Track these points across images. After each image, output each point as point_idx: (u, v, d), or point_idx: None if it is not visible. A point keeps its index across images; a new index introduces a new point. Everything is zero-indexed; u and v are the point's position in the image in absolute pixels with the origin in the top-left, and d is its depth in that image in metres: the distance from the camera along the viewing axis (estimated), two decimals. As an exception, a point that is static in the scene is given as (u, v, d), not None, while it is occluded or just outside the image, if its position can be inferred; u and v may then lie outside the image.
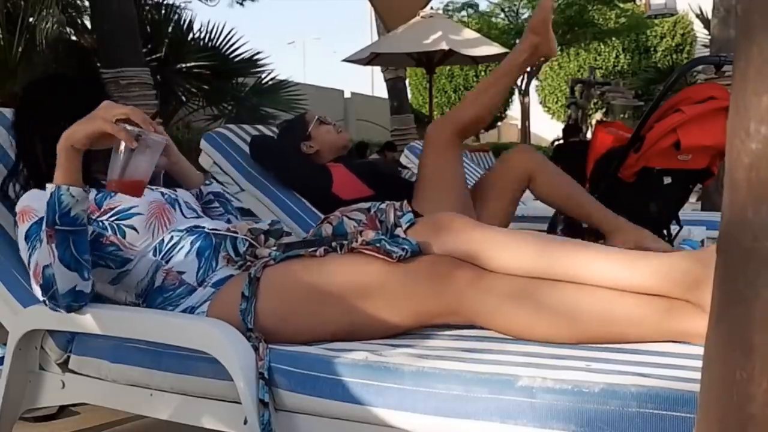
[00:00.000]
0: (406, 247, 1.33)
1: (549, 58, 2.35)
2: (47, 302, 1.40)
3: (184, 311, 1.47)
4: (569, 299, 1.22)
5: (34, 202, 1.47)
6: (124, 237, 1.53)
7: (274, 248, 1.50)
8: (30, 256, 1.43)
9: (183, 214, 1.64)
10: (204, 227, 1.59)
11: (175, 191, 1.70)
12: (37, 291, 1.40)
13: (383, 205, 1.52)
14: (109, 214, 1.55)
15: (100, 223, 1.53)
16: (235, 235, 1.55)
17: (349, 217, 1.51)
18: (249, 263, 1.49)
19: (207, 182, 1.85)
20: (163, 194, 1.64)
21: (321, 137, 2.55)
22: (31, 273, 1.42)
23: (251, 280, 1.39)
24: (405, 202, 1.53)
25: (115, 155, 1.29)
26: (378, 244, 1.33)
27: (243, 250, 1.52)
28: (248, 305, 1.36)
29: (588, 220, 2.32)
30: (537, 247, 1.31)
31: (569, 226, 2.83)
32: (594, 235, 2.85)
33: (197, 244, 1.54)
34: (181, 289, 1.50)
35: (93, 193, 1.43)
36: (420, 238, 1.37)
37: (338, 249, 1.39)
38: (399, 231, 1.42)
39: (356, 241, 1.38)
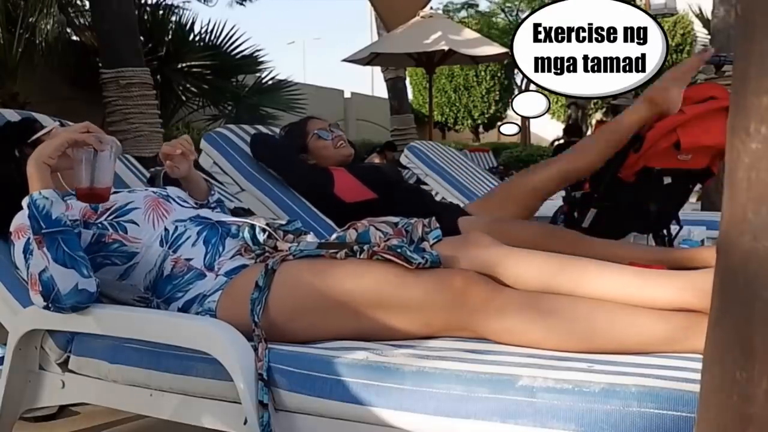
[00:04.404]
0: (427, 257, 1.33)
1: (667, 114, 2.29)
2: (51, 307, 1.39)
3: (195, 298, 1.48)
4: (584, 317, 1.21)
5: (27, 220, 1.48)
6: (125, 232, 1.54)
7: (295, 244, 1.50)
8: (27, 270, 1.43)
9: (180, 204, 1.66)
10: (209, 218, 1.61)
11: (165, 189, 1.74)
12: (39, 300, 1.39)
13: (412, 220, 1.52)
14: (106, 215, 1.56)
15: (100, 225, 1.54)
16: (253, 223, 1.56)
17: (377, 227, 1.51)
18: (268, 254, 1.50)
19: (211, 192, 1.89)
20: (153, 192, 1.67)
21: (317, 152, 2.54)
22: (29, 286, 1.42)
23: (267, 272, 1.39)
24: (433, 218, 1.53)
25: (78, 168, 1.39)
26: (399, 250, 1.33)
27: (263, 238, 1.53)
28: (260, 296, 1.36)
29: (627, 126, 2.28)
30: (554, 262, 1.32)
31: (569, 226, 2.83)
32: (594, 235, 2.85)
33: (204, 234, 1.56)
34: (190, 275, 1.51)
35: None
36: (446, 253, 1.37)
37: (359, 252, 1.38)
38: (425, 245, 1.43)
39: (378, 246, 1.38)
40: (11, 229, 1.52)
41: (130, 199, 1.60)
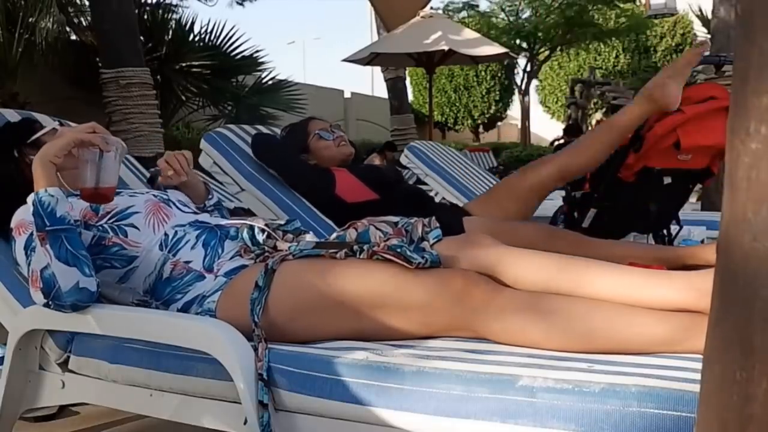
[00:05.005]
0: (427, 257, 1.33)
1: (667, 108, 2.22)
2: (51, 305, 1.39)
3: (194, 299, 1.48)
4: (584, 317, 1.21)
5: (29, 216, 1.48)
6: (126, 236, 1.55)
7: (295, 244, 1.51)
8: (28, 266, 1.43)
9: (180, 209, 1.66)
10: (208, 222, 1.61)
11: (166, 192, 1.75)
12: (39, 297, 1.40)
13: (412, 220, 1.52)
14: (107, 218, 1.56)
15: (101, 227, 1.55)
16: (252, 224, 1.57)
17: (377, 227, 1.51)
18: (267, 254, 1.50)
19: (210, 196, 1.90)
20: (155, 195, 1.67)
21: (319, 152, 2.56)
22: (30, 282, 1.42)
23: (267, 271, 1.39)
24: (433, 218, 1.53)
25: (83, 168, 1.40)
26: (399, 250, 1.33)
27: (262, 239, 1.53)
28: (260, 295, 1.36)
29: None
30: (554, 262, 1.32)
31: (569, 226, 2.83)
32: (594, 235, 2.85)
33: (203, 237, 1.57)
34: (189, 276, 1.51)
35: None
36: (446, 253, 1.37)
37: (359, 252, 1.38)
38: (425, 245, 1.43)
39: (378, 246, 1.38)
40: (12, 225, 1.52)
41: (131, 203, 1.60)
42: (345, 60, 9.39)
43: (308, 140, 2.57)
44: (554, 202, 3.05)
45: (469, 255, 1.36)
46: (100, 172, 1.40)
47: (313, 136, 2.57)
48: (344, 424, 1.15)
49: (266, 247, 1.52)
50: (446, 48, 8.30)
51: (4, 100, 6.03)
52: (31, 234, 1.42)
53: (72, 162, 1.44)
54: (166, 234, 1.57)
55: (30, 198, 1.40)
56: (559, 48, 17.42)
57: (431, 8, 9.96)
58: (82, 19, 7.90)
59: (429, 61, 9.15)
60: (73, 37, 7.85)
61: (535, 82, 19.60)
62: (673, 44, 19.76)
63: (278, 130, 2.91)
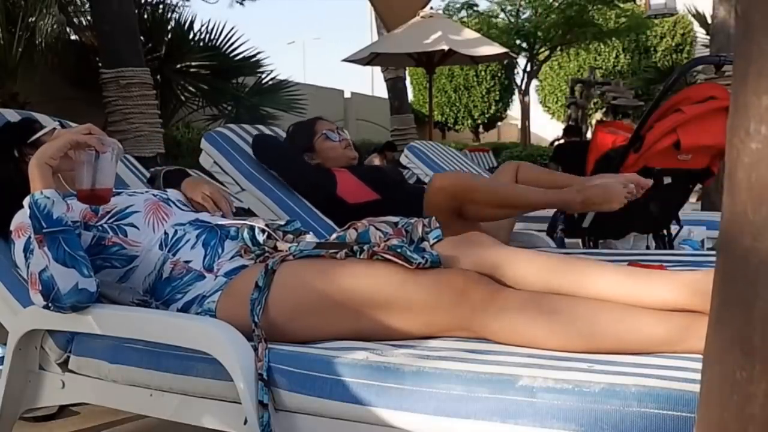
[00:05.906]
0: (427, 257, 1.32)
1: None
2: (51, 306, 1.39)
3: (194, 299, 1.48)
4: (585, 316, 1.20)
5: (27, 219, 1.48)
6: (126, 236, 1.55)
7: (295, 244, 1.51)
8: (27, 268, 1.43)
9: (180, 208, 1.67)
10: (208, 222, 1.61)
11: (166, 191, 1.74)
12: (38, 299, 1.40)
13: (412, 220, 1.52)
14: (107, 218, 1.56)
15: (100, 227, 1.55)
16: (252, 224, 1.57)
17: (377, 227, 1.51)
18: (267, 254, 1.50)
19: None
20: (154, 194, 1.68)
21: (324, 153, 2.56)
22: (29, 284, 1.42)
23: (267, 272, 1.39)
24: (433, 218, 1.53)
25: (80, 169, 1.40)
26: (399, 250, 1.33)
27: (262, 239, 1.54)
28: (260, 296, 1.36)
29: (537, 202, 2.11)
30: (554, 262, 1.32)
31: (569, 226, 2.83)
32: (594, 235, 2.86)
33: (203, 237, 1.57)
34: (189, 276, 1.51)
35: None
36: (447, 253, 1.37)
37: (359, 252, 1.38)
38: (425, 245, 1.43)
39: (378, 246, 1.37)
40: (11, 227, 1.52)
41: (130, 202, 1.61)
42: (345, 60, 9.39)
43: (314, 139, 2.57)
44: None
45: (470, 255, 1.36)
46: (96, 174, 1.40)
47: (320, 135, 2.57)
48: (344, 424, 1.15)
49: (266, 248, 1.53)
50: (446, 48, 8.30)
51: (4, 100, 6.03)
52: (30, 237, 1.43)
53: (68, 164, 1.44)
54: (165, 233, 1.57)
55: (26, 200, 1.40)
56: (559, 48, 17.41)
57: (431, 8, 9.96)
58: (82, 19, 7.90)
59: (429, 61, 9.14)
60: (73, 37, 7.84)
61: (535, 82, 19.60)
62: (673, 44, 19.75)
63: (279, 130, 2.91)
